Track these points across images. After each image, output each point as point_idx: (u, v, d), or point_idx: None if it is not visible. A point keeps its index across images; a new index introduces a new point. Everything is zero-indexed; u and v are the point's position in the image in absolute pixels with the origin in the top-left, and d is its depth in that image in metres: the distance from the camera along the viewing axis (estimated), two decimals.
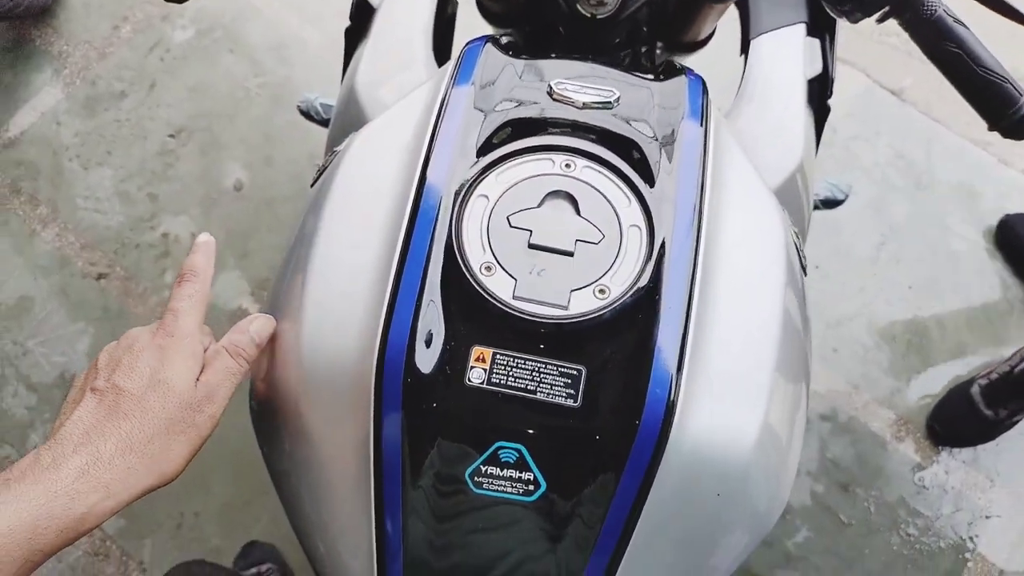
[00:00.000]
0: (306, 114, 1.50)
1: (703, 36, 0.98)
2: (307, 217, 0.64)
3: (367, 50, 0.91)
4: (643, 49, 0.99)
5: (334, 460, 0.57)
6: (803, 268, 0.67)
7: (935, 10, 0.68)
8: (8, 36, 2.09)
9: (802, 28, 0.92)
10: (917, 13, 0.68)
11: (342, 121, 0.90)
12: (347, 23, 0.98)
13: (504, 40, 0.73)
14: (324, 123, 1.49)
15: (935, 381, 1.76)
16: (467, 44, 0.69)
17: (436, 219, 0.55)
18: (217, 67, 2.06)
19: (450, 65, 0.68)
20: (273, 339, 0.60)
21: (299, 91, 2.00)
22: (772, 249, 0.61)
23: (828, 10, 0.74)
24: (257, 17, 2.11)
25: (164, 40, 2.10)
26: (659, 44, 1.06)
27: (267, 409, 0.63)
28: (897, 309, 1.83)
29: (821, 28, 0.93)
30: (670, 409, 0.51)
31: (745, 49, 0.92)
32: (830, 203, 1.44)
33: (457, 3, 1.08)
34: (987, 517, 1.66)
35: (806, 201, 0.88)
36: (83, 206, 1.89)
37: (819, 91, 0.92)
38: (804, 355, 0.65)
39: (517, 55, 0.69)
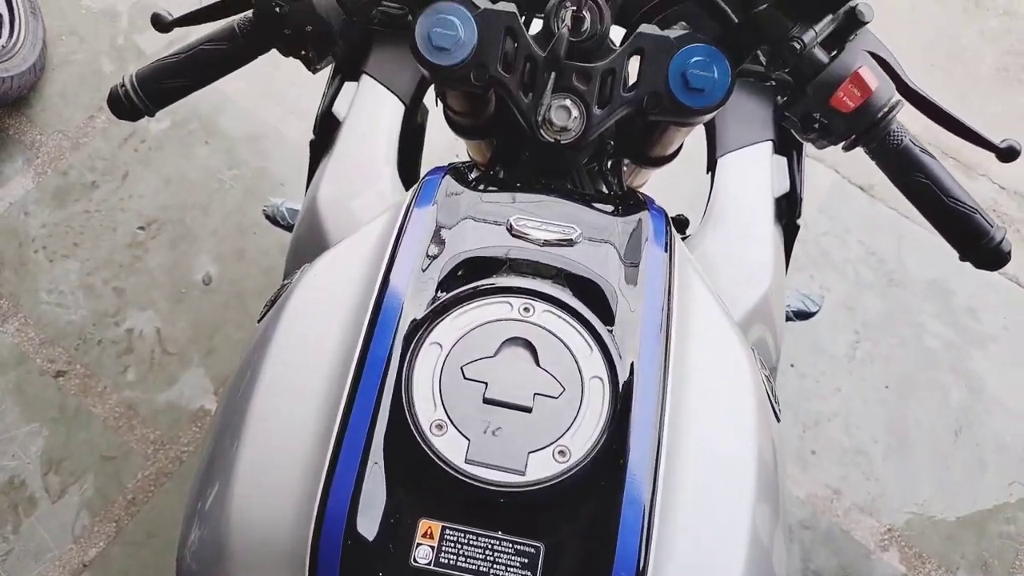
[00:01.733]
0: (272, 219, 1.48)
1: (669, 152, 0.98)
2: (249, 356, 0.61)
3: (331, 164, 0.90)
4: (608, 164, 0.98)
5: None
6: (776, 413, 0.64)
7: (902, 140, 0.68)
8: None
9: (768, 146, 0.92)
10: (883, 143, 0.68)
11: (303, 238, 0.88)
12: (311, 135, 0.97)
13: (465, 166, 0.72)
14: (289, 228, 1.47)
15: (917, 487, 1.72)
16: (426, 175, 0.68)
17: (385, 369, 0.52)
18: (192, 158, 2.05)
19: (408, 196, 0.66)
20: (202, 500, 0.56)
21: (274, 184, 2.00)
22: (742, 399, 0.58)
23: (793, 133, 0.74)
24: (234, 108, 2.12)
25: (139, 130, 2.10)
26: (625, 160, 1.06)
27: None
28: (875, 409, 1.80)
29: (788, 146, 0.93)
30: None
31: (712, 167, 0.92)
32: (802, 315, 1.44)
33: (427, 113, 1.08)
34: None
35: (778, 322, 0.86)
36: (46, 300, 1.84)
37: (788, 209, 0.92)
38: (778, 508, 0.61)
39: (477, 185, 0.68)
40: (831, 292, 1.93)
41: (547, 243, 0.60)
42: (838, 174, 2.14)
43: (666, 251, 0.62)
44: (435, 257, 0.58)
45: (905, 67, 0.70)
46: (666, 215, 0.66)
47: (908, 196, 0.71)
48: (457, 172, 0.68)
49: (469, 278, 0.58)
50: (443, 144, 1.27)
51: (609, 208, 0.67)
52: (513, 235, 0.60)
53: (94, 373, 1.75)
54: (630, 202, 0.68)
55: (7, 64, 1.97)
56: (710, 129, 0.93)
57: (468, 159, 1.34)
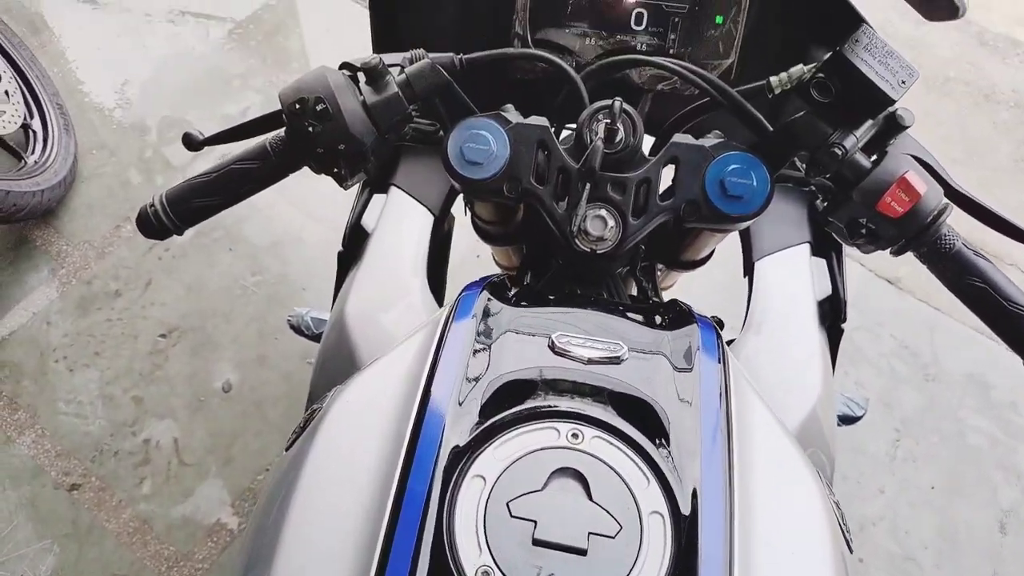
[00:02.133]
0: (297, 329, 1.47)
1: (702, 256, 0.96)
2: (277, 489, 0.57)
3: (359, 277, 0.88)
4: (640, 268, 0.96)
5: None
6: (848, 542, 0.59)
7: (954, 244, 0.65)
8: (9, 238, 2.11)
9: (806, 248, 0.90)
10: (935, 248, 0.65)
11: (331, 353, 0.85)
12: (340, 247, 0.96)
13: (500, 280, 0.70)
14: (315, 338, 1.45)
15: None
16: (463, 291, 0.66)
17: (425, 506, 0.48)
18: (215, 265, 2.06)
19: (444, 313, 0.63)
20: None
21: (295, 289, 2.00)
22: (814, 530, 0.53)
23: (837, 238, 0.72)
24: (257, 216, 2.15)
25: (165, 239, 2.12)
26: (659, 265, 1.04)
27: None
28: (922, 512, 1.71)
29: (826, 247, 0.91)
30: None
31: (748, 270, 0.90)
32: (847, 419, 1.38)
33: (453, 220, 1.07)
34: None
35: (829, 432, 0.82)
36: (64, 410, 1.81)
37: (830, 312, 0.88)
38: None
39: (515, 299, 0.65)
40: (866, 388, 1.87)
41: (592, 361, 0.57)
42: (864, 267, 2.12)
43: (719, 363, 0.59)
44: (475, 379, 0.55)
45: None
46: (716, 327, 0.63)
47: (965, 302, 0.68)
48: (493, 287, 0.66)
49: (511, 400, 0.55)
50: (467, 244, 1.26)
51: (654, 320, 0.64)
52: (556, 353, 0.57)
53: (109, 486, 1.70)
54: (675, 313, 0.66)
55: (39, 178, 2.02)
56: (744, 232, 0.92)
57: (495, 264, 1.33)
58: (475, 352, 0.57)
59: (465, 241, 1.07)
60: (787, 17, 0.82)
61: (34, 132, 2.16)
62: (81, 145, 2.27)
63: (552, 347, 0.57)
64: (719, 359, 0.59)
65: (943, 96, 2.58)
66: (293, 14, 2.76)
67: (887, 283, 2.09)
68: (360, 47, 2.60)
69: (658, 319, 0.65)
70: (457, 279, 0.91)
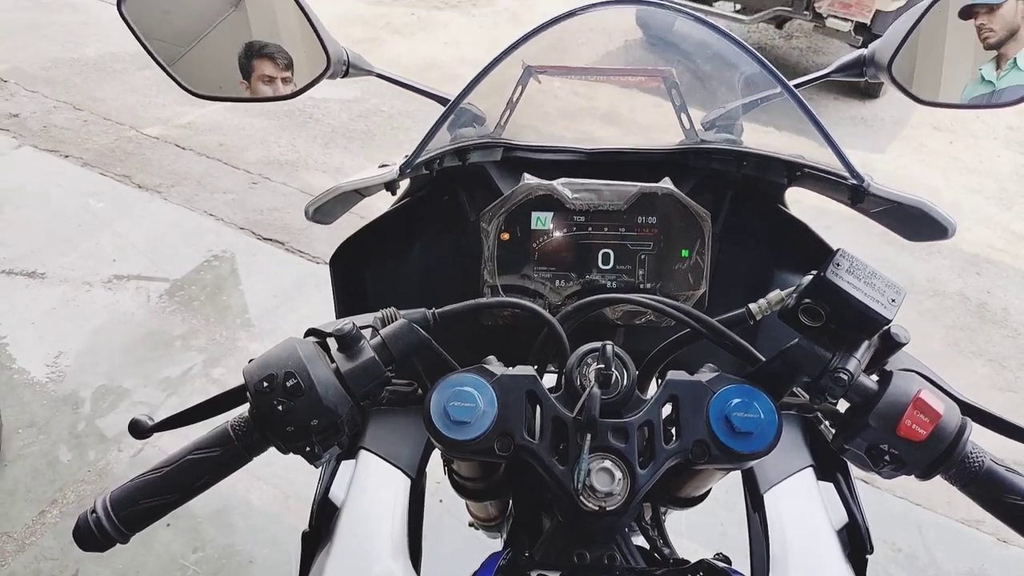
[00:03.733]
0: None
1: (702, 492, 0.90)
2: None
3: (330, 562, 0.78)
4: (648, 516, 0.89)
5: None
6: None
7: (983, 462, 0.61)
8: None
9: (810, 473, 0.84)
10: (964, 468, 0.61)
11: None
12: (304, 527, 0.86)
13: (509, 560, 0.61)
14: None
15: None
16: None
17: None
18: (151, 545, 1.86)
19: None
20: None
21: (243, 562, 1.80)
22: None
23: (857, 466, 0.67)
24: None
25: None
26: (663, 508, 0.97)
27: None
28: None
29: (831, 469, 0.86)
30: None
31: (758, 505, 0.83)
32: None
33: (426, 477, 0.99)
34: None
35: None
36: None
37: (850, 539, 0.81)
38: None
39: None
40: None
41: None
42: None
43: None
44: None
45: None
46: None
47: (1006, 522, 0.62)
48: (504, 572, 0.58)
49: None
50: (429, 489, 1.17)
51: None
52: None
53: None
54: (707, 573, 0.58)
55: None
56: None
57: (469, 513, 1.22)
58: None
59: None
60: (750, 246, 0.83)
61: None
62: (8, 425, 2.12)
63: None
64: None
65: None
66: (234, 271, 2.79)
67: (862, 482, 2.04)
68: (304, 297, 2.59)
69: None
70: (429, 536, 0.82)
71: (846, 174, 0.75)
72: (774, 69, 0.77)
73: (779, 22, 4.78)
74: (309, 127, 3.65)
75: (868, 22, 3.96)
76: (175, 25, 0.78)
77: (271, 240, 2.94)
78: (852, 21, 4.05)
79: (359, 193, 0.81)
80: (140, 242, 2.87)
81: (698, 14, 0.78)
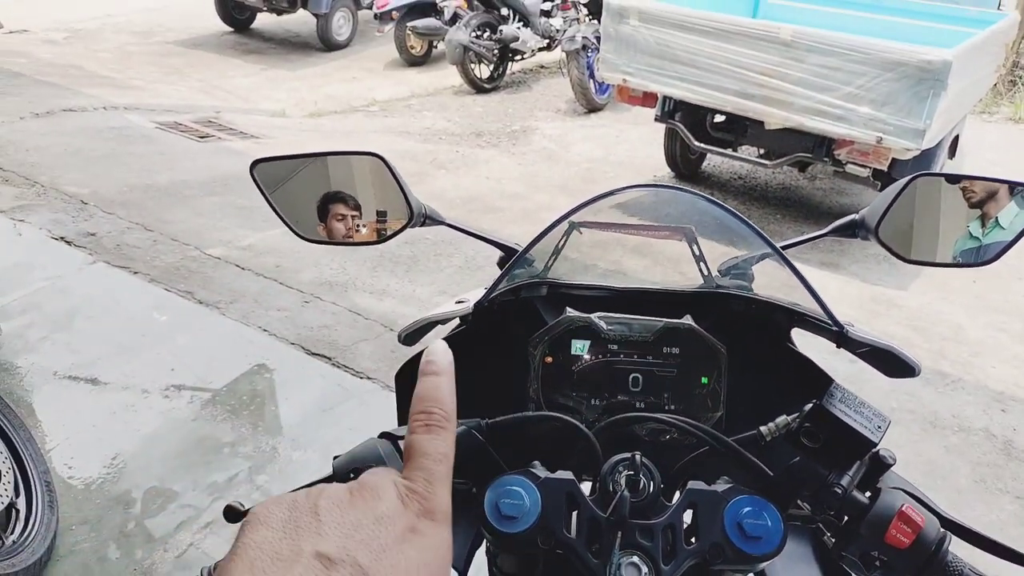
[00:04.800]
0: None
1: None
2: None
3: None
4: None
5: None
6: None
7: (962, 571, 0.71)
8: None
9: None
10: (946, 574, 0.71)
11: None
12: None
13: None
14: None
15: None
16: None
17: None
18: None
19: None
20: None
21: None
22: None
23: (853, 573, 0.77)
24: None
25: None
26: None
27: None
28: None
29: None
30: None
31: None
32: None
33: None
34: None
35: None
36: None
37: None
38: None
39: None
40: None
41: None
42: None
43: None
44: None
45: None
46: None
47: None
48: None
49: None
50: None
51: None
52: None
53: None
54: None
55: (15, 560, 1.96)
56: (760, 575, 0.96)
57: None
58: None
59: None
60: (761, 375, 0.97)
61: (18, 511, 2.14)
62: (63, 520, 2.24)
63: None
64: None
65: (894, 424, 2.78)
66: (283, 383, 2.96)
67: None
68: (345, 410, 2.71)
69: None
70: None
71: (829, 322, 0.90)
72: (767, 237, 0.95)
73: (802, 166, 5.06)
74: (359, 252, 3.91)
75: (885, 168, 4.19)
76: (292, 186, 1.00)
77: (319, 355, 3.12)
78: (870, 168, 4.30)
79: (440, 323, 0.99)
80: (197, 353, 3.07)
81: (712, 198, 0.99)
